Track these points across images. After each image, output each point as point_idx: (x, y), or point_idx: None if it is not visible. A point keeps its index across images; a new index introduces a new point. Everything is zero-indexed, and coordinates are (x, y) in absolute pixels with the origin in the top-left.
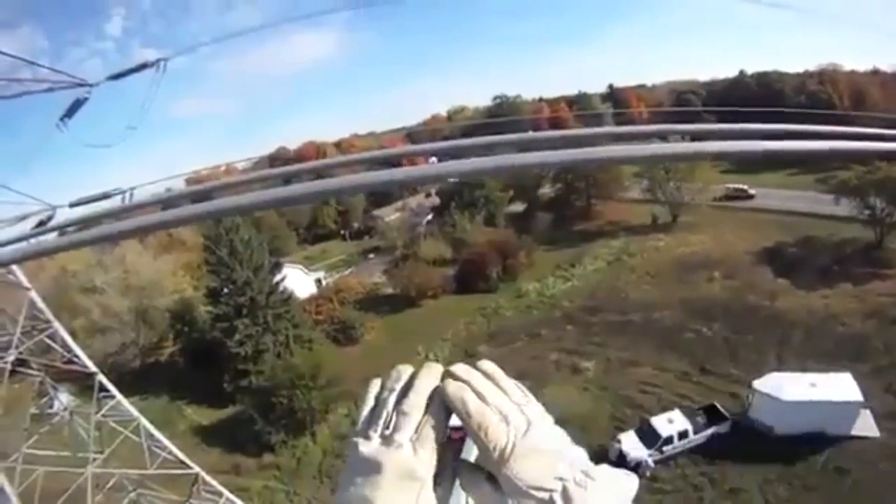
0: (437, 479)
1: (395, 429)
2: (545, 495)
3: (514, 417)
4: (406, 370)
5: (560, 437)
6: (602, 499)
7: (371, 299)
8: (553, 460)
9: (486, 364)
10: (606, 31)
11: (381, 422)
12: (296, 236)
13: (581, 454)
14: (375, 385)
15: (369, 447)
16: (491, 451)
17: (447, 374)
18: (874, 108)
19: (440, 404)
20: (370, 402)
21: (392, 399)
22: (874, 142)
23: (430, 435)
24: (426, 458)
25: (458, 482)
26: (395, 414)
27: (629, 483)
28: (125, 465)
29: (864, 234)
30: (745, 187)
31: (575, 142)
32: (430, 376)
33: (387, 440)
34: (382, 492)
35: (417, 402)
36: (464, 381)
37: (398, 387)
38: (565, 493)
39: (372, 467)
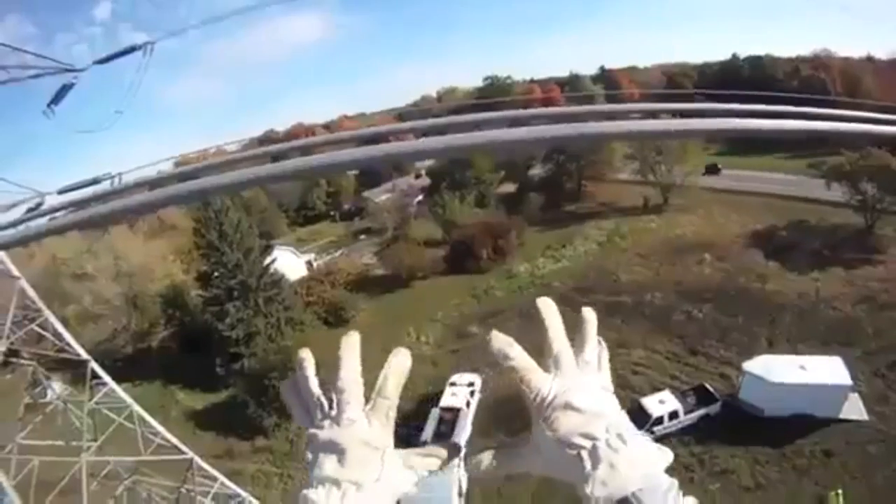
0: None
1: (341, 408)
2: (573, 451)
3: (565, 369)
4: (305, 355)
5: (602, 400)
6: (630, 465)
7: (362, 281)
8: (588, 420)
9: (590, 314)
10: (598, 12)
11: (324, 407)
12: (286, 218)
13: (622, 420)
14: (285, 385)
15: (326, 432)
16: (531, 401)
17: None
18: (868, 96)
19: (389, 373)
20: (294, 398)
21: (312, 384)
22: (868, 125)
23: (381, 404)
24: (381, 427)
25: (458, 463)
26: (334, 395)
27: (663, 456)
28: (119, 453)
29: (854, 220)
30: (716, 164)
31: (564, 119)
32: (349, 347)
33: (337, 419)
34: (347, 467)
35: (348, 376)
36: (543, 318)
37: (310, 374)
38: (594, 452)
39: (334, 448)
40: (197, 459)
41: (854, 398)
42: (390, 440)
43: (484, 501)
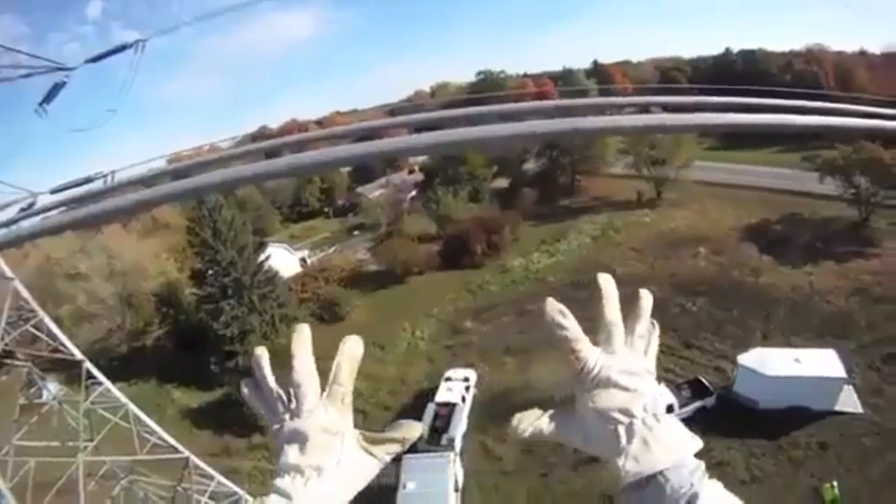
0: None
1: (299, 400)
2: (611, 426)
3: (614, 346)
4: (261, 352)
5: (644, 380)
6: (662, 445)
7: (356, 277)
8: (629, 397)
9: (647, 298)
10: (591, 7)
11: (284, 401)
12: (279, 215)
13: (659, 402)
14: (245, 386)
15: (288, 424)
16: (577, 372)
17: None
18: (861, 90)
19: (341, 360)
20: (254, 399)
21: (269, 383)
22: (861, 118)
23: (336, 391)
24: (338, 413)
25: (455, 459)
26: (291, 389)
27: (693, 443)
28: (116, 452)
29: (848, 213)
30: None
31: (558, 113)
32: (301, 340)
33: (297, 412)
34: (308, 455)
35: (302, 368)
36: (603, 294)
37: (266, 371)
38: (630, 429)
39: (296, 438)
40: (193, 458)
41: (848, 391)
42: (349, 424)
43: (480, 495)
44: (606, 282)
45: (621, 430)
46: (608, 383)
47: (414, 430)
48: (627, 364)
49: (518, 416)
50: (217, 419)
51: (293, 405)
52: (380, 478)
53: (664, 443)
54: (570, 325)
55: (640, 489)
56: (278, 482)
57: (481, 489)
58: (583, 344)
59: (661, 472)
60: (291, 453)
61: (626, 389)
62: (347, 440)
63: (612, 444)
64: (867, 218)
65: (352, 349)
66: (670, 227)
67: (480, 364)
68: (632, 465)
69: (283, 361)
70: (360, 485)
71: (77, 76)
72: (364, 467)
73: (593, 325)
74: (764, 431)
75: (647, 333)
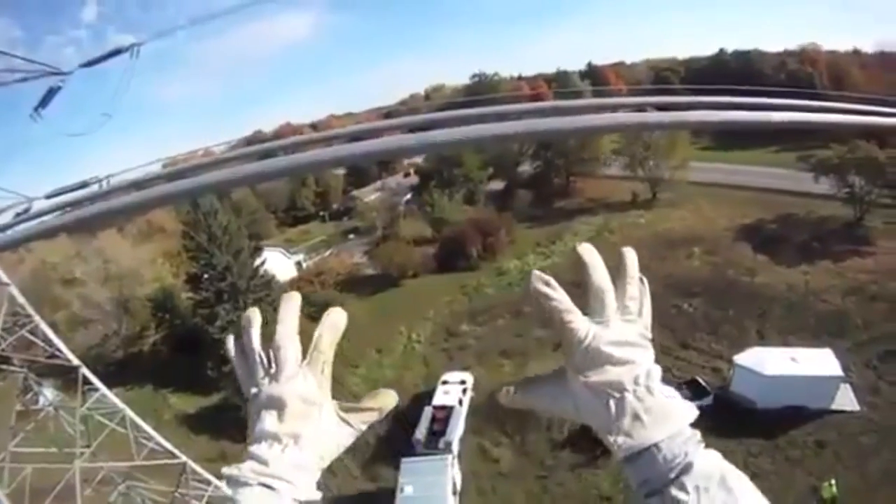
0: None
1: (279, 365)
2: (602, 400)
3: (606, 315)
4: (252, 314)
5: (636, 349)
6: (654, 418)
7: (352, 280)
8: (620, 370)
9: (630, 256)
10: (585, 8)
11: (259, 363)
12: (275, 219)
13: (653, 371)
14: (230, 341)
15: (266, 389)
16: (568, 345)
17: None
18: (854, 89)
19: (323, 329)
20: (236, 355)
21: (255, 341)
22: (855, 116)
23: (317, 358)
24: (317, 381)
25: (453, 462)
26: (271, 352)
27: (687, 412)
28: (113, 458)
29: (843, 212)
30: None
31: (553, 114)
32: (290, 304)
33: (276, 377)
34: (287, 421)
35: (285, 331)
36: (586, 263)
37: (253, 330)
38: (620, 403)
39: (272, 403)
40: (190, 463)
41: (845, 389)
42: (327, 394)
43: (478, 498)
44: (588, 251)
45: (612, 404)
46: (600, 356)
47: (390, 398)
48: (620, 333)
49: (508, 387)
50: (214, 424)
51: (273, 370)
52: (378, 481)
53: (656, 416)
54: (558, 296)
55: (633, 461)
56: (254, 448)
57: (479, 492)
58: (573, 315)
59: (654, 445)
60: (268, 420)
61: (618, 363)
62: (326, 410)
63: (604, 418)
64: (862, 217)
65: (335, 320)
66: (665, 228)
67: (477, 367)
68: (623, 439)
69: None
70: (335, 453)
71: (72, 80)
72: (341, 437)
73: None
74: (761, 431)
75: (639, 294)
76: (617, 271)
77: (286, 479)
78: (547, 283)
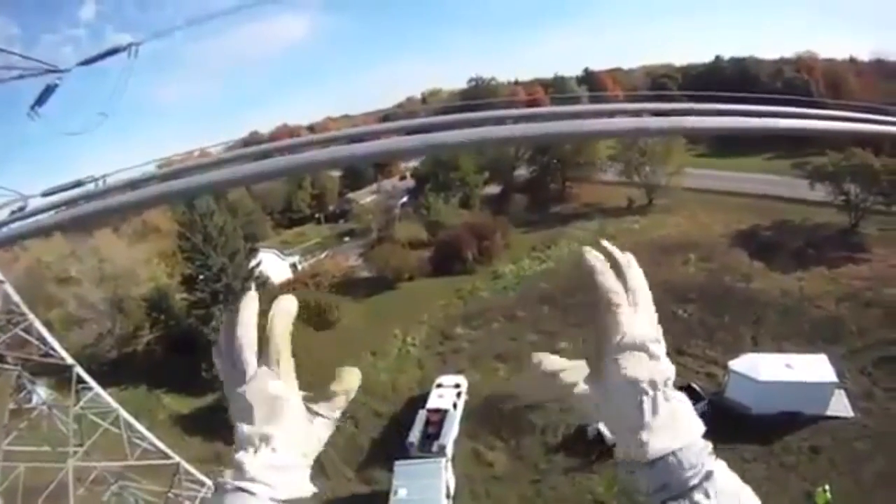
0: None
1: (240, 367)
2: (637, 394)
3: (639, 311)
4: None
5: (664, 350)
6: (680, 422)
7: (347, 283)
8: (654, 366)
9: (630, 258)
10: (582, 14)
11: (232, 366)
12: (270, 221)
13: (671, 373)
14: (214, 350)
15: (235, 395)
16: (608, 331)
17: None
18: (850, 97)
19: (271, 322)
20: (219, 363)
21: (233, 346)
22: (850, 123)
23: (272, 352)
24: (277, 376)
25: (446, 465)
26: (234, 355)
27: (701, 422)
28: (106, 458)
29: (838, 219)
30: None
31: (549, 119)
32: (248, 304)
33: (240, 381)
34: (255, 425)
35: (242, 334)
36: (621, 264)
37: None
38: (654, 402)
39: (243, 409)
40: (183, 464)
41: (840, 395)
42: (292, 388)
43: (472, 502)
44: (594, 256)
45: (646, 402)
46: (641, 349)
47: (353, 377)
48: (651, 328)
49: (543, 356)
50: (208, 425)
51: (237, 375)
52: (372, 484)
53: (682, 420)
54: (611, 277)
55: (653, 465)
56: (234, 455)
57: (473, 496)
58: (621, 298)
59: (673, 452)
60: (240, 425)
61: (654, 358)
62: (292, 404)
63: (635, 417)
64: (857, 224)
65: (284, 306)
66: (661, 234)
67: (471, 370)
68: (655, 440)
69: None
70: (315, 448)
71: (69, 79)
72: (315, 430)
73: (578, 332)
74: (756, 437)
75: (646, 299)
76: (618, 271)
77: (262, 482)
78: (602, 261)
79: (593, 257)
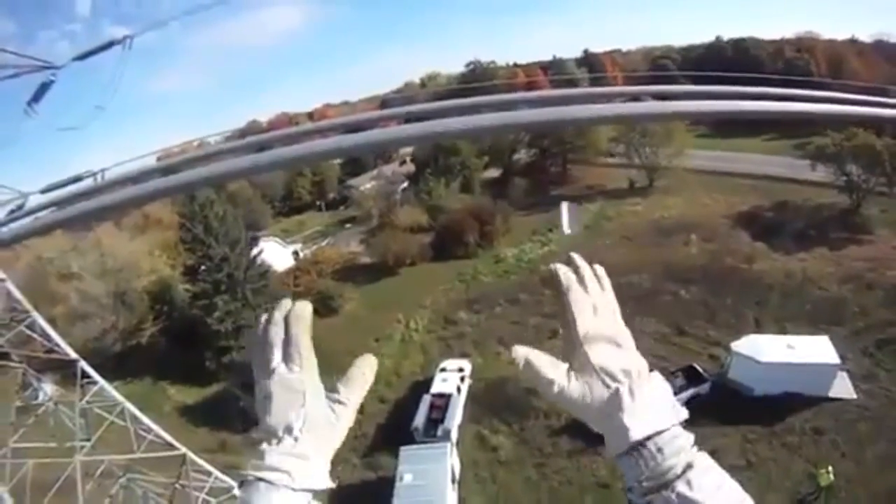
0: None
1: (268, 361)
2: (611, 384)
3: (603, 312)
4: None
5: (632, 344)
6: (660, 405)
7: (349, 269)
8: (626, 357)
9: (599, 270)
10: None
11: (263, 363)
12: (271, 209)
13: (644, 365)
14: (249, 339)
15: (260, 386)
16: (577, 330)
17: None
18: (852, 78)
19: (289, 322)
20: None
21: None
22: (851, 106)
23: (293, 351)
24: (298, 368)
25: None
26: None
27: (681, 410)
28: (113, 451)
29: (840, 200)
30: None
31: (549, 103)
32: (279, 308)
33: (267, 374)
34: (275, 416)
35: (271, 332)
36: (575, 269)
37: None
38: (632, 389)
39: (266, 398)
40: (190, 455)
41: (842, 377)
42: (311, 383)
43: (477, 486)
44: (563, 272)
45: (623, 389)
46: (609, 340)
47: (371, 362)
48: (616, 327)
49: (524, 353)
50: (213, 415)
51: (264, 367)
52: (377, 470)
53: (660, 407)
54: (576, 289)
55: (630, 455)
56: (259, 447)
57: (478, 480)
58: (585, 305)
59: (654, 439)
60: (262, 416)
61: (623, 348)
62: (312, 395)
63: (613, 403)
64: (859, 205)
65: (298, 311)
66: (662, 215)
67: (475, 354)
68: (634, 424)
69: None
70: (339, 437)
71: (65, 74)
72: (338, 419)
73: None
74: (758, 418)
75: (611, 301)
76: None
77: (282, 470)
78: (570, 278)
79: (564, 272)
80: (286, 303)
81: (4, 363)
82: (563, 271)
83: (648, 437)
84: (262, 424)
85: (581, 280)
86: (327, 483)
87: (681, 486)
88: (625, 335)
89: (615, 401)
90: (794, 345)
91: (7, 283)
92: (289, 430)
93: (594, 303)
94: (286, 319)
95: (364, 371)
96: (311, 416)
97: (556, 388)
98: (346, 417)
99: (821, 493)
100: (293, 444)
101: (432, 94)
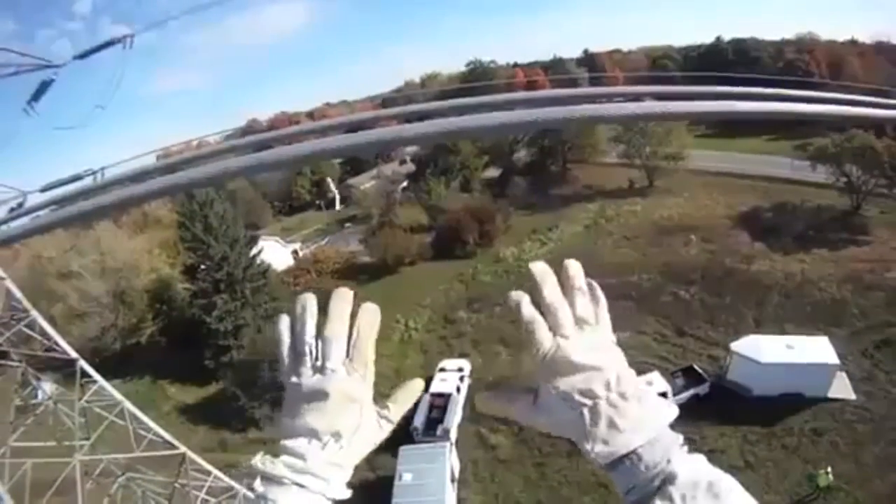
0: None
1: (325, 357)
2: (575, 409)
3: (563, 328)
4: (309, 299)
5: (602, 356)
6: (631, 423)
7: (348, 268)
8: (589, 377)
9: (572, 267)
10: None
11: (308, 353)
12: (271, 208)
13: (625, 375)
14: (285, 321)
15: (309, 379)
16: (533, 357)
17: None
18: (852, 79)
19: (361, 327)
20: (286, 338)
21: (309, 330)
22: (851, 107)
23: (360, 357)
24: (360, 379)
25: (450, 450)
26: (319, 343)
27: (666, 413)
28: (112, 450)
29: (839, 201)
30: None
31: (549, 103)
32: (343, 301)
33: (321, 369)
34: (328, 417)
35: (337, 328)
36: (537, 282)
37: (308, 318)
38: (594, 410)
39: (315, 396)
40: (190, 454)
41: (841, 377)
42: (369, 393)
43: (476, 485)
44: (539, 269)
45: (585, 412)
46: (566, 365)
47: (420, 386)
48: (581, 342)
49: (486, 395)
50: (213, 414)
51: (318, 361)
52: (376, 469)
53: (633, 421)
54: (528, 312)
55: (615, 468)
56: (290, 443)
57: (477, 479)
58: (539, 328)
59: (633, 451)
60: (309, 414)
61: (583, 369)
62: (367, 408)
63: (579, 428)
64: (859, 206)
65: (370, 319)
66: (662, 215)
67: (474, 354)
68: (601, 447)
69: (275, 353)
70: (370, 450)
71: (65, 73)
72: (378, 434)
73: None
74: (758, 418)
75: (591, 306)
76: (563, 286)
77: (322, 477)
78: (519, 300)
79: (514, 295)
80: (346, 295)
81: (4, 362)
82: (515, 294)
83: (625, 455)
84: (305, 421)
85: (543, 298)
86: (348, 493)
87: (658, 501)
88: (604, 339)
89: (580, 424)
90: (794, 345)
91: (7, 282)
92: (337, 435)
93: (555, 320)
94: (354, 319)
95: (414, 394)
96: (364, 427)
97: (525, 421)
98: (386, 433)
99: (820, 493)
100: (337, 451)
101: (433, 93)
